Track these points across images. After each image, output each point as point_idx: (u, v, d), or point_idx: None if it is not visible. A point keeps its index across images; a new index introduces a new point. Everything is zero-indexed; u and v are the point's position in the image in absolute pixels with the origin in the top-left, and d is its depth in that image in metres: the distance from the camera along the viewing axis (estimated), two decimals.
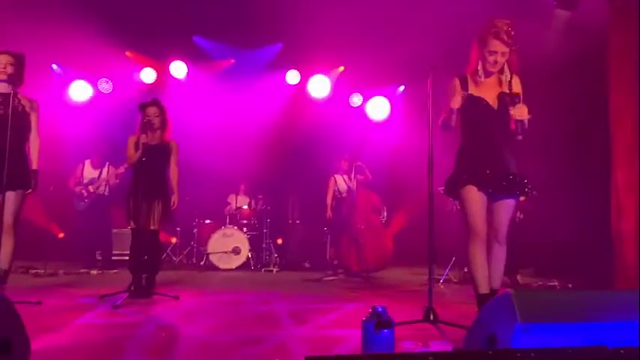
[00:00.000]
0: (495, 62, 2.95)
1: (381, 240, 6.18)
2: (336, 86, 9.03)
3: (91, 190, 6.41)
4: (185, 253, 7.40)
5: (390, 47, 7.98)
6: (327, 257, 6.94)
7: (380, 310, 1.91)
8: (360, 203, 6.28)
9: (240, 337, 2.71)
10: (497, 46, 2.93)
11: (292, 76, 9.02)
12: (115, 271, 6.20)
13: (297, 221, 7.95)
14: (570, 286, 5.27)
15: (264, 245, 7.33)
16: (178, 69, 8.68)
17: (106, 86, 8.50)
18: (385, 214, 7.55)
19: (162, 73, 8.63)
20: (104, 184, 6.48)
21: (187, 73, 8.69)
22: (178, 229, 7.46)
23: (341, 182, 6.53)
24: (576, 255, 5.88)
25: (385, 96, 9.14)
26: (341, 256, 6.26)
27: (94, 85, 8.44)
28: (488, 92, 3.05)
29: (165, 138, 4.36)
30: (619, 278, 4.74)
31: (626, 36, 4.88)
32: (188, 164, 7.72)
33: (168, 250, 7.41)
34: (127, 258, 6.89)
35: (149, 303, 3.90)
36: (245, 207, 7.41)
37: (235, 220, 7.30)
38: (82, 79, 8.41)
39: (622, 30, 4.91)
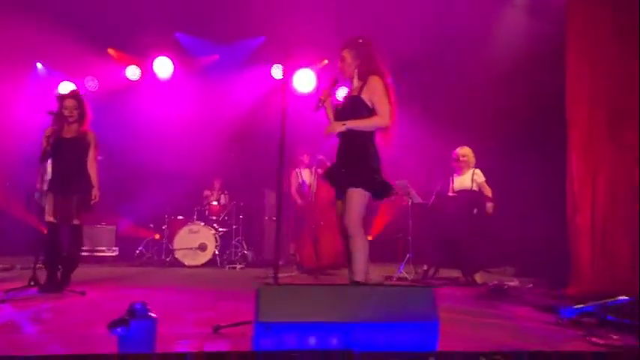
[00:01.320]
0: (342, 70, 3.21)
1: (338, 238, 5.92)
2: (321, 80, 8.83)
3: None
4: (155, 249, 7.37)
5: (374, 40, 7.79)
6: (291, 253, 6.75)
7: (138, 306, 1.71)
8: (319, 199, 6.05)
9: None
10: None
11: (277, 71, 8.87)
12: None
13: (274, 218, 7.78)
14: (531, 286, 4.87)
15: (234, 242, 7.22)
16: (163, 66, 8.70)
17: (92, 84, 8.61)
18: None
19: (147, 70, 8.68)
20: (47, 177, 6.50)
21: (171, 69, 8.69)
22: (151, 225, 7.45)
23: (305, 176, 6.33)
24: (543, 252, 5.50)
25: None
26: (298, 252, 6.06)
27: (80, 83, 8.55)
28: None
29: (82, 131, 4.28)
30: (574, 275, 4.34)
31: (585, 18, 4.48)
32: (163, 160, 7.82)
33: (141, 247, 7.40)
34: (97, 253, 7.16)
35: (50, 298, 3.71)
36: (214, 203, 7.30)
37: (204, 216, 7.21)
38: (68, 78, 8.54)
39: (580, 12, 4.51)
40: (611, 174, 4.25)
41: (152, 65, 8.58)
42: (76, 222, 4.20)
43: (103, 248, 7.20)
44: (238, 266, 6.66)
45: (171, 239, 6.91)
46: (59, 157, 4.12)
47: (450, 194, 5.57)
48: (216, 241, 6.91)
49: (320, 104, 3.06)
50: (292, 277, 5.70)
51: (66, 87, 8.52)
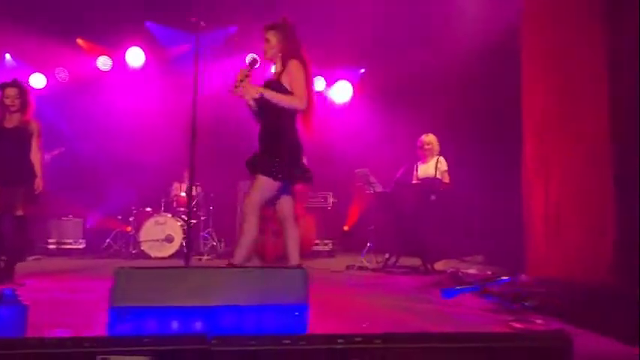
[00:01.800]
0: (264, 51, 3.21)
1: (301, 226, 5.83)
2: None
3: None
4: (123, 241, 7.28)
5: (352, 28, 7.71)
6: None
7: (7, 292, 1.64)
8: None
9: None
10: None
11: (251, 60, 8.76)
12: (34, 257, 6.18)
13: None
14: (489, 273, 4.81)
15: (203, 233, 7.14)
16: (134, 56, 8.60)
17: (62, 75, 8.49)
18: (331, 200, 7.25)
19: (118, 60, 8.57)
20: None
21: (143, 60, 8.59)
22: (119, 217, 7.35)
23: None
24: (509, 240, 5.45)
25: (347, 79, 8.79)
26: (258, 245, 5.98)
27: (51, 74, 8.43)
28: None
29: (24, 120, 4.17)
30: (529, 262, 4.28)
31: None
32: (132, 152, 7.73)
33: (109, 239, 7.31)
34: (65, 246, 7.09)
35: None
36: (182, 194, 7.21)
37: (171, 207, 7.12)
38: (37, 69, 8.41)
39: None
40: (565, 163, 4.18)
41: (123, 55, 8.47)
42: (19, 213, 4.09)
43: (70, 241, 7.12)
44: (205, 257, 6.59)
45: (138, 231, 6.82)
46: (0, 147, 4.01)
47: (414, 182, 5.51)
48: (184, 233, 6.82)
49: (237, 85, 2.95)
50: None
51: (37, 79, 8.45)
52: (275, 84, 3.06)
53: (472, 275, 4.55)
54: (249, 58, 3.18)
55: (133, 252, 6.80)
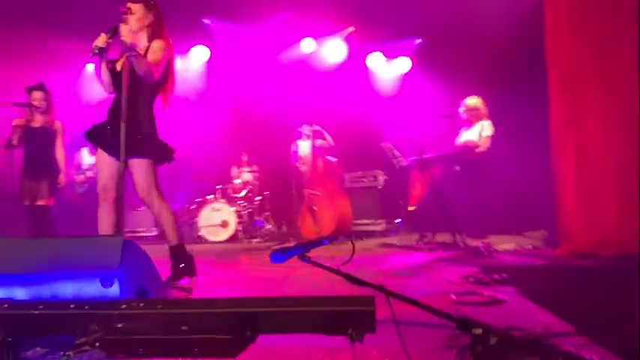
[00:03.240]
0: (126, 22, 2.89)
1: (337, 207, 5.78)
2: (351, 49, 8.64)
3: (90, 175, 7.06)
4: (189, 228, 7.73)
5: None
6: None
7: None
8: (314, 169, 5.95)
9: None
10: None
11: (306, 45, 8.82)
12: None
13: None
14: (530, 247, 4.37)
15: (257, 217, 7.37)
16: (198, 53, 9.04)
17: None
18: (382, 178, 7.03)
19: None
20: None
21: (206, 55, 8.99)
22: (188, 206, 7.83)
23: (303, 148, 6.26)
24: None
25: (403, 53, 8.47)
26: (300, 226, 6.04)
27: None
28: None
29: (49, 120, 4.62)
30: (561, 233, 3.81)
31: None
32: (195, 143, 8.17)
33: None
34: (139, 234, 7.74)
35: None
36: (237, 181, 7.50)
37: (227, 193, 7.45)
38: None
39: None
40: (599, 119, 3.64)
41: (186, 52, 8.93)
42: (41, 202, 4.55)
43: (142, 229, 7.76)
44: (254, 240, 6.81)
45: (197, 217, 7.24)
46: (29, 145, 4.50)
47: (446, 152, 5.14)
48: (239, 218, 7.10)
49: (95, 50, 2.78)
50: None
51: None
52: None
53: (501, 252, 4.18)
54: (110, 25, 2.82)
55: (197, 237, 7.23)
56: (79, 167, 7.19)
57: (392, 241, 5.15)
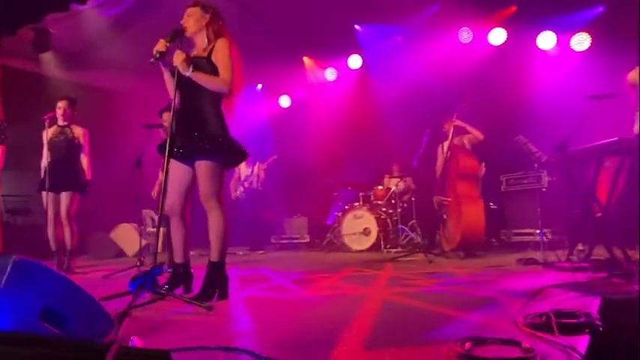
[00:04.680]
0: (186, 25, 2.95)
1: (465, 216, 4.98)
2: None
3: (246, 185, 7.63)
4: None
5: None
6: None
7: None
8: (449, 170, 5.29)
9: None
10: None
11: (464, 34, 8.15)
12: (261, 251, 7.24)
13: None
14: None
15: (401, 226, 6.92)
16: (354, 61, 9.09)
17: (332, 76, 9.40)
18: (546, 179, 5.95)
19: (341, 68, 9.21)
20: (256, 179, 7.59)
21: (360, 62, 8.99)
22: (337, 213, 7.84)
23: (443, 149, 5.63)
24: None
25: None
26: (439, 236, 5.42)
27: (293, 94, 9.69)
28: None
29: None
30: None
31: None
32: (347, 150, 8.12)
33: (329, 234, 7.87)
34: (294, 241, 8.03)
35: None
36: (379, 187, 7.19)
37: (369, 200, 7.19)
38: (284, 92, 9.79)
39: None
40: None
41: (345, 63, 9.02)
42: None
43: (297, 236, 8.04)
44: (393, 250, 6.39)
45: (341, 225, 7.17)
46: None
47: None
48: (381, 226, 6.79)
49: (156, 56, 2.72)
50: (407, 261, 5.11)
51: (284, 100, 9.86)
52: (203, 62, 2.87)
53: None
54: (171, 30, 2.86)
55: (336, 245, 7.16)
56: (238, 179, 7.84)
57: (534, 256, 4.22)
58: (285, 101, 9.85)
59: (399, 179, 7.10)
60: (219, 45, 2.88)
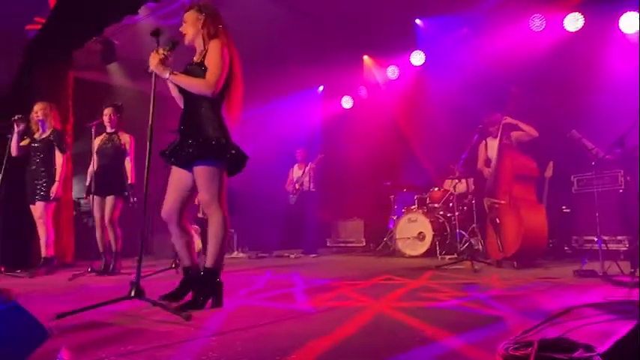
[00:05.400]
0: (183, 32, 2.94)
1: (525, 218, 4.46)
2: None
3: (297, 187, 7.55)
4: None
5: None
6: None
7: None
8: (501, 171, 4.79)
9: None
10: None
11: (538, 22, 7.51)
12: (314, 255, 7.11)
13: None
14: None
15: (460, 231, 6.42)
16: (415, 58, 8.73)
17: (363, 92, 9.40)
18: (622, 179, 5.26)
19: (403, 66, 8.88)
20: (307, 179, 7.46)
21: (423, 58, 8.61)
22: (393, 217, 7.51)
23: (492, 148, 5.14)
24: None
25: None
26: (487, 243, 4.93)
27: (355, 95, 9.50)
28: None
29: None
30: None
31: None
32: (403, 152, 7.74)
33: (385, 238, 7.55)
34: (349, 245, 7.81)
35: None
36: (435, 189, 6.75)
37: (425, 203, 6.77)
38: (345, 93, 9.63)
39: None
40: None
41: (406, 60, 8.68)
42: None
43: (352, 240, 7.81)
44: (447, 257, 5.95)
45: (395, 229, 6.83)
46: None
47: None
48: (436, 230, 6.37)
49: (147, 70, 2.70)
50: (464, 269, 4.69)
51: (346, 101, 9.68)
52: (197, 68, 2.79)
53: None
54: (168, 39, 2.81)
55: (390, 250, 6.84)
56: (291, 182, 7.79)
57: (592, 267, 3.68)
58: (347, 102, 9.66)
59: (457, 181, 6.62)
60: (211, 46, 2.80)
